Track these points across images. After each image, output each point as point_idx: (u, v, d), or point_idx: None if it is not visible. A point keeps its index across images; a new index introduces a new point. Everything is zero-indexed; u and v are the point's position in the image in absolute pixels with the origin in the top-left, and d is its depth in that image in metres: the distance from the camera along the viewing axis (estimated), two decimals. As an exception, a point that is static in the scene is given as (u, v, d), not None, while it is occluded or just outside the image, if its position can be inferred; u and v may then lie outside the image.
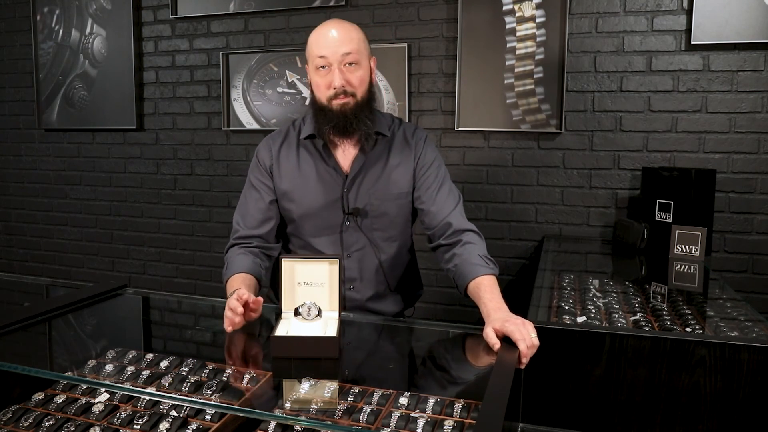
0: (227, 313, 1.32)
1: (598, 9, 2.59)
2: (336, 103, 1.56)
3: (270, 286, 1.85)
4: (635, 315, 1.55)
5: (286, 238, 1.78)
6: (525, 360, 1.21)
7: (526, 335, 1.21)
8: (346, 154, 1.66)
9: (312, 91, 1.62)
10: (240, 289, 1.36)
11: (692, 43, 2.46)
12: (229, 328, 1.32)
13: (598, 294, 1.76)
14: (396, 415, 1.03)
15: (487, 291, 1.42)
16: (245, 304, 1.32)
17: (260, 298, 1.37)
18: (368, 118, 1.60)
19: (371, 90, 1.63)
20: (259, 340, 1.39)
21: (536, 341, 1.22)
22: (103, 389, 1.20)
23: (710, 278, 2.05)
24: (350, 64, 1.55)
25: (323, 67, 1.55)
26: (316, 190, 1.65)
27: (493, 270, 1.50)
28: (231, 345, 1.35)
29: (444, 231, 1.61)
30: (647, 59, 2.55)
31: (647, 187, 2.43)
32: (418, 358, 1.43)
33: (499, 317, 1.29)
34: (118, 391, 1.17)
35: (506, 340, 1.25)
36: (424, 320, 1.85)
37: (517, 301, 2.74)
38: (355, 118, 1.57)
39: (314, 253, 1.69)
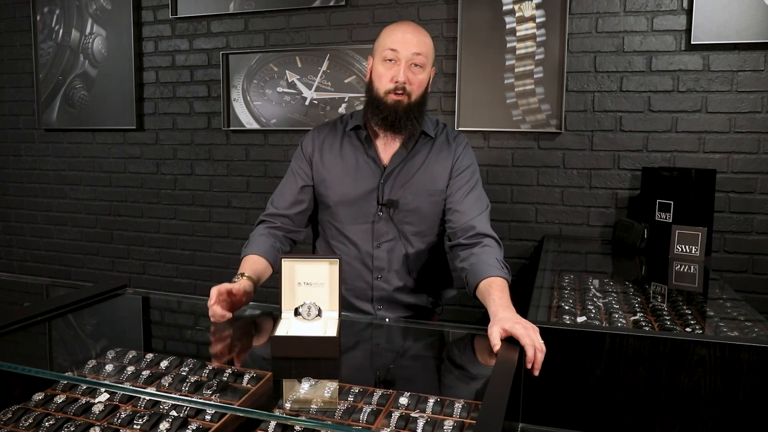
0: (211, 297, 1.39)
1: (598, 9, 2.59)
2: (392, 97, 1.63)
3: None
4: (635, 315, 1.55)
5: (317, 227, 1.84)
6: (537, 366, 1.22)
7: (535, 340, 1.22)
8: (387, 147, 1.72)
9: (370, 81, 1.68)
10: (235, 292, 1.42)
11: (692, 43, 2.46)
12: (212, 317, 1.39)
13: (598, 294, 1.76)
14: (396, 415, 1.03)
15: (497, 290, 1.44)
16: (226, 297, 1.40)
17: (239, 288, 1.42)
18: (417, 119, 1.67)
19: (425, 95, 1.69)
20: (259, 340, 1.39)
21: (544, 346, 1.23)
22: (103, 389, 1.20)
23: (710, 278, 2.05)
24: (417, 65, 1.62)
25: (391, 60, 1.62)
26: (354, 178, 1.71)
27: (507, 275, 1.53)
28: (231, 344, 1.35)
29: (466, 232, 1.65)
30: (647, 59, 2.55)
31: (647, 187, 2.43)
32: (418, 358, 1.43)
33: (506, 317, 1.30)
34: (118, 391, 1.17)
35: (508, 341, 1.25)
36: (424, 320, 1.85)
37: (517, 301, 2.75)
38: (405, 116, 1.64)
39: (346, 241, 1.75)
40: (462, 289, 1.65)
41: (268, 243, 1.66)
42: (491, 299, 1.41)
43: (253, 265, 1.59)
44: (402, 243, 1.73)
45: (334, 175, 1.73)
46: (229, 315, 1.39)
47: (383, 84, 1.63)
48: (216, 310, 1.37)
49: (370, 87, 1.68)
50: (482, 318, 1.39)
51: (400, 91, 1.61)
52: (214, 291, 1.38)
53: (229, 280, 1.51)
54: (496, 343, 1.24)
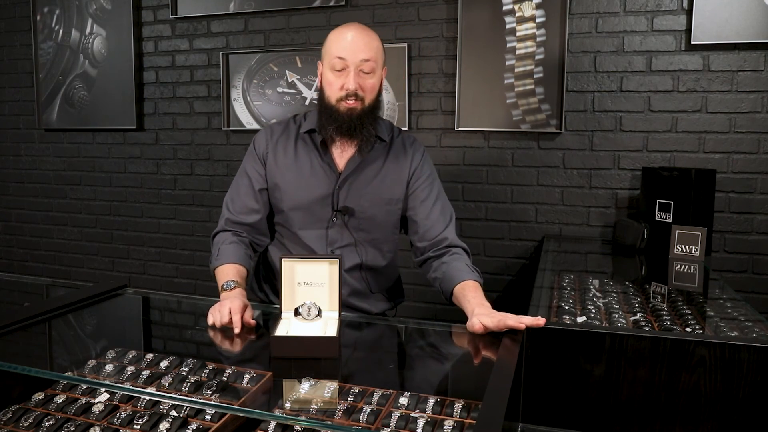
0: (223, 311, 1.37)
1: (598, 9, 2.59)
2: (344, 105, 1.59)
3: (254, 276, 1.89)
4: (635, 315, 1.55)
5: (273, 229, 1.81)
6: (529, 323, 1.31)
7: (510, 323, 1.30)
8: (342, 153, 1.68)
9: (321, 88, 1.64)
10: (248, 309, 1.42)
11: (692, 43, 2.46)
12: (211, 322, 1.38)
13: (598, 294, 1.76)
14: (396, 415, 1.03)
15: (470, 291, 1.49)
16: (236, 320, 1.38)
17: (253, 322, 1.41)
18: (371, 125, 1.64)
19: (378, 98, 1.66)
20: (259, 340, 1.39)
21: (523, 319, 1.32)
22: (103, 389, 1.20)
23: (710, 278, 2.05)
24: (366, 72, 1.58)
25: (339, 68, 1.58)
26: (308, 183, 1.68)
27: (478, 278, 1.56)
28: (231, 345, 1.35)
29: (435, 246, 1.67)
30: (647, 59, 2.55)
31: (647, 187, 2.43)
32: (418, 358, 1.43)
33: (482, 312, 1.36)
34: (118, 391, 1.17)
35: (508, 341, 1.25)
36: (424, 320, 1.85)
37: (517, 301, 2.75)
38: (360, 123, 1.61)
39: (301, 245, 1.72)
40: (415, 285, 1.65)
41: (241, 250, 1.63)
42: (466, 300, 1.46)
43: (238, 273, 1.56)
44: (357, 250, 1.71)
45: (288, 179, 1.68)
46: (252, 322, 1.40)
47: (334, 92, 1.59)
48: (221, 323, 1.37)
49: (321, 94, 1.64)
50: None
51: (351, 99, 1.58)
52: (236, 317, 1.36)
53: (220, 288, 1.51)
54: (480, 329, 1.31)
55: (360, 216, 1.68)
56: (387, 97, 2.88)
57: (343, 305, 1.70)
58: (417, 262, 1.73)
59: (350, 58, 1.56)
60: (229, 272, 1.56)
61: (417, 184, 1.70)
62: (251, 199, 1.71)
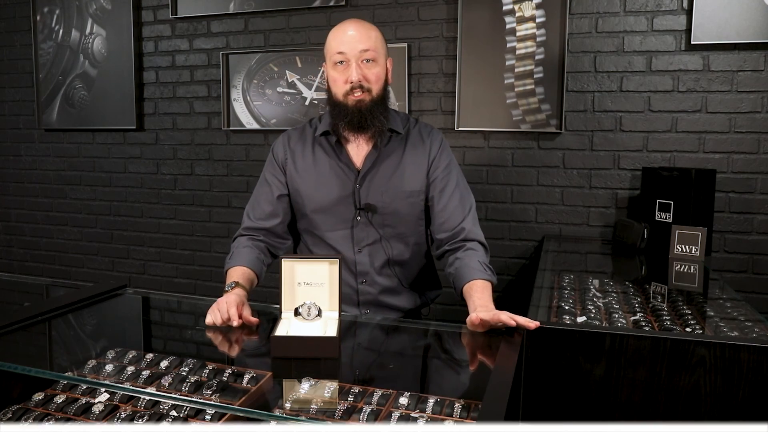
0: (221, 308, 1.38)
1: (598, 9, 2.59)
2: (352, 98, 1.60)
3: None
4: (635, 315, 1.55)
5: (297, 235, 1.81)
6: (523, 323, 1.31)
7: (504, 318, 1.30)
8: (359, 150, 1.69)
9: (329, 88, 1.66)
10: (246, 307, 1.43)
11: (692, 43, 2.46)
12: (209, 321, 1.38)
13: (598, 294, 1.76)
14: (396, 415, 1.03)
15: (477, 291, 1.48)
16: (238, 317, 1.39)
17: (255, 320, 1.41)
18: (383, 115, 1.63)
19: (386, 88, 1.66)
20: (259, 340, 1.39)
21: (519, 318, 1.33)
22: (103, 389, 1.20)
23: (710, 278, 2.05)
24: (367, 60, 1.59)
25: (341, 62, 1.60)
26: (328, 185, 1.68)
27: (490, 277, 1.55)
28: (231, 345, 1.35)
29: (452, 238, 1.65)
30: (647, 59, 2.55)
31: (647, 187, 2.43)
32: (418, 358, 1.43)
33: (485, 311, 1.35)
34: (118, 391, 1.17)
35: (507, 341, 1.25)
36: (424, 320, 1.85)
37: (517, 301, 2.75)
38: (370, 114, 1.61)
39: (326, 248, 1.72)
40: (448, 287, 1.65)
41: (253, 254, 1.64)
42: (471, 300, 1.47)
43: (243, 274, 1.57)
44: (383, 246, 1.71)
45: (308, 183, 1.69)
46: (254, 320, 1.40)
47: (339, 88, 1.61)
48: (239, 320, 1.37)
49: (329, 93, 1.66)
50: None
51: (358, 91, 1.59)
52: (232, 309, 1.37)
53: (222, 290, 1.51)
54: (476, 319, 1.32)
55: (383, 212, 1.68)
56: (387, 97, 2.88)
57: (375, 304, 1.73)
58: (436, 256, 1.73)
59: (349, 51, 1.58)
60: (233, 274, 1.57)
61: (435, 174, 1.69)
62: (270, 206, 1.72)
